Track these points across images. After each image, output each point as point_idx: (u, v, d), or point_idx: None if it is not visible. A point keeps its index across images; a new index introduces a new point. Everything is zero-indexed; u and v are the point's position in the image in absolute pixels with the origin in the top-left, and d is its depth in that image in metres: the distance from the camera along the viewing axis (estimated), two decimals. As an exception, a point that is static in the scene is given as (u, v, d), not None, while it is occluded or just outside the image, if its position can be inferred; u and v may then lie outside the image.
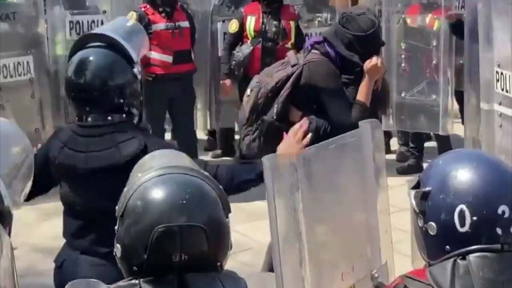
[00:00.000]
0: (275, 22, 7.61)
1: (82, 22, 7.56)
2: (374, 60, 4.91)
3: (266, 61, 7.21)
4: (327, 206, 3.33)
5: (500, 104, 5.54)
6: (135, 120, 3.71)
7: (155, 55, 7.43)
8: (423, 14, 7.63)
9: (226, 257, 2.32)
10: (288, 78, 4.95)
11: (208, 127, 8.86)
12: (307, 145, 3.43)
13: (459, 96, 7.42)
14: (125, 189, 2.35)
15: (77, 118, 3.69)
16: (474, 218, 2.14)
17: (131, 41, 3.78)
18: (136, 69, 3.67)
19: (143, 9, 7.52)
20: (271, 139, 4.85)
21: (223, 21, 8.08)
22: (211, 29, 8.24)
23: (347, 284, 3.37)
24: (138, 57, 3.79)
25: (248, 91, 5.13)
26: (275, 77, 5.02)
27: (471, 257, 2.13)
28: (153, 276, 2.22)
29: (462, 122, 6.76)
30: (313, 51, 5.01)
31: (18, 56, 7.06)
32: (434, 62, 7.63)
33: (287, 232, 3.10)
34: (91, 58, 3.66)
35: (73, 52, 3.74)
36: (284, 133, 3.63)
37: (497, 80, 5.52)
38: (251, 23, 7.64)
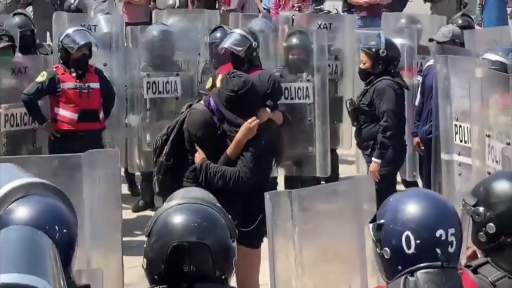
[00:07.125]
0: None
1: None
2: (249, 122, 5.36)
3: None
4: (319, 238, 3.83)
5: (459, 154, 6.06)
6: None
7: (62, 112, 7.60)
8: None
9: (231, 272, 2.83)
10: (176, 123, 5.57)
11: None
12: None
13: None
14: (153, 214, 2.91)
15: None
16: (418, 241, 2.60)
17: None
18: None
19: (54, 68, 7.74)
20: (164, 177, 5.51)
21: None
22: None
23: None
24: None
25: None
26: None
27: (418, 273, 2.58)
28: (169, 284, 2.75)
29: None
30: (200, 101, 5.64)
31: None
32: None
33: (284, 255, 3.60)
34: None
35: None
36: None
37: (456, 133, 6.04)
38: None
